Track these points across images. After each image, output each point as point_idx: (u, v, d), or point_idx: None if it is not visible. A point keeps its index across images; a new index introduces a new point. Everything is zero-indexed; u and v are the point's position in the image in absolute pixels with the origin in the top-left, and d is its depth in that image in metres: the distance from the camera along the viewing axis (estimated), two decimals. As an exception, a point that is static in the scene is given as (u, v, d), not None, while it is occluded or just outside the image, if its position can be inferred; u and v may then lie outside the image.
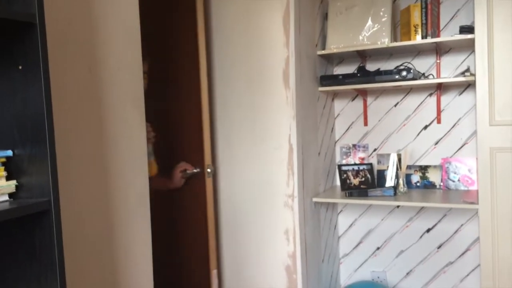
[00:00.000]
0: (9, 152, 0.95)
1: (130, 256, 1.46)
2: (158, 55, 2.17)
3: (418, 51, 2.62)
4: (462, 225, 2.58)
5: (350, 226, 2.85)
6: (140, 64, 1.50)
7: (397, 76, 2.41)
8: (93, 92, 1.32)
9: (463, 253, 2.58)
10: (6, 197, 0.95)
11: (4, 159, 0.95)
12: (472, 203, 2.16)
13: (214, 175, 2.41)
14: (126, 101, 1.44)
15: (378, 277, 2.75)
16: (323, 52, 2.55)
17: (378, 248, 2.79)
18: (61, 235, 0.94)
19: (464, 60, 2.54)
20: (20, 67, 0.93)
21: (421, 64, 2.63)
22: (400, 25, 2.58)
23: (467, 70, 2.45)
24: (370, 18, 2.48)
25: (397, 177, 2.52)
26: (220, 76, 2.38)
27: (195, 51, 2.15)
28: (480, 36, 2.12)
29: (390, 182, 2.54)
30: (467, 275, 2.57)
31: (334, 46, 2.53)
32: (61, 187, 0.95)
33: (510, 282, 2.06)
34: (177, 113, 2.23)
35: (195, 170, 2.05)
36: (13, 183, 0.95)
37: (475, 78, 2.15)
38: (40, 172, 0.93)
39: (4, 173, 0.95)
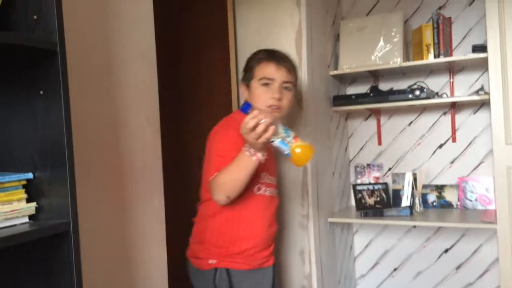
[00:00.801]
0: (30, 175, 0.98)
1: (147, 275, 1.46)
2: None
3: (430, 71, 2.62)
4: (481, 245, 2.53)
5: (366, 246, 2.82)
6: (156, 83, 1.53)
7: (410, 95, 2.41)
8: (111, 114, 1.35)
9: (482, 274, 2.53)
10: (26, 219, 0.97)
11: (25, 182, 0.97)
12: (490, 222, 2.13)
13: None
14: (142, 120, 1.47)
15: (396, 299, 2.71)
16: (335, 72, 2.57)
17: (395, 269, 2.74)
18: (80, 256, 0.95)
19: (478, 78, 2.53)
20: (41, 92, 0.96)
21: (434, 83, 2.63)
22: (412, 44, 2.59)
23: (481, 88, 2.44)
24: (382, 38, 2.50)
25: (413, 196, 2.50)
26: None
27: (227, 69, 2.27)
28: (493, 54, 2.12)
29: (406, 201, 2.52)
30: (488, 297, 2.51)
31: (347, 66, 2.55)
32: (79, 209, 0.97)
33: (532, 304, 2.01)
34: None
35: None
36: (33, 205, 0.98)
37: (489, 96, 2.14)
38: (59, 194, 0.95)
39: (25, 195, 0.97)
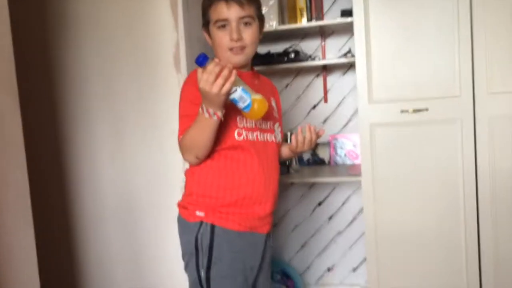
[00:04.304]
0: None
1: (12, 261, 1.35)
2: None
3: (304, 34, 2.73)
4: (349, 196, 2.78)
5: (248, 205, 2.92)
6: (10, 45, 1.38)
7: (286, 58, 2.50)
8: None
9: (350, 223, 2.79)
10: None
11: None
12: (356, 175, 2.34)
13: (101, 163, 2.32)
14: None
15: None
16: (213, 34, 2.54)
17: (275, 225, 2.90)
18: None
19: (346, 42, 2.70)
20: None
21: (308, 46, 2.75)
22: (287, 8, 2.66)
23: (349, 51, 2.62)
24: (258, 1, 2.51)
25: (289, 155, 2.62)
26: (98, 68, 2.29)
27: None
28: (358, 19, 2.25)
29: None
30: (355, 242, 2.78)
31: (224, 28, 2.53)
32: None
33: (389, 245, 2.27)
34: None
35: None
36: None
37: (355, 59, 2.30)
38: None
39: None
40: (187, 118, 1.39)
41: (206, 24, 1.52)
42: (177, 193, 2.19)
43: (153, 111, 2.24)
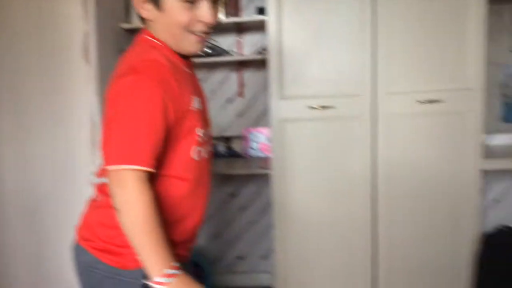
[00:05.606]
0: None
1: None
2: None
3: (221, 29, 2.76)
4: (262, 188, 2.87)
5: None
6: None
7: (202, 53, 2.51)
8: None
9: (261, 213, 2.89)
10: None
11: None
12: (265, 168, 2.42)
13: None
14: None
15: (191, 243, 2.90)
16: (127, 25, 2.50)
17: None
18: None
19: (262, 39, 2.77)
20: None
21: (224, 41, 2.78)
22: (203, 2, 2.67)
23: (264, 48, 2.68)
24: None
25: (204, 148, 2.66)
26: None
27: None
28: (272, 17, 2.31)
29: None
30: (266, 233, 2.89)
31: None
32: None
33: (298, 235, 2.39)
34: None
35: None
36: None
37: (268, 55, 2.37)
38: None
39: None
40: (147, 134, 1.00)
41: None
42: (84, 183, 2.14)
43: (60, 105, 2.18)
